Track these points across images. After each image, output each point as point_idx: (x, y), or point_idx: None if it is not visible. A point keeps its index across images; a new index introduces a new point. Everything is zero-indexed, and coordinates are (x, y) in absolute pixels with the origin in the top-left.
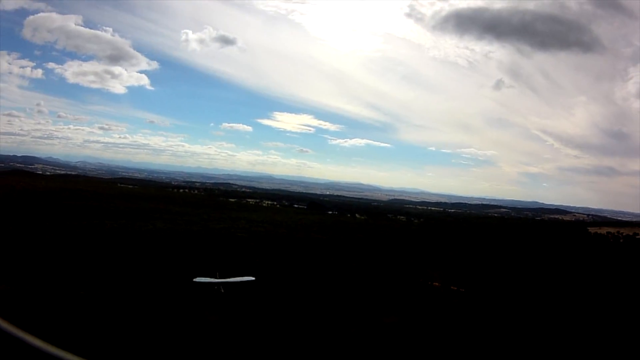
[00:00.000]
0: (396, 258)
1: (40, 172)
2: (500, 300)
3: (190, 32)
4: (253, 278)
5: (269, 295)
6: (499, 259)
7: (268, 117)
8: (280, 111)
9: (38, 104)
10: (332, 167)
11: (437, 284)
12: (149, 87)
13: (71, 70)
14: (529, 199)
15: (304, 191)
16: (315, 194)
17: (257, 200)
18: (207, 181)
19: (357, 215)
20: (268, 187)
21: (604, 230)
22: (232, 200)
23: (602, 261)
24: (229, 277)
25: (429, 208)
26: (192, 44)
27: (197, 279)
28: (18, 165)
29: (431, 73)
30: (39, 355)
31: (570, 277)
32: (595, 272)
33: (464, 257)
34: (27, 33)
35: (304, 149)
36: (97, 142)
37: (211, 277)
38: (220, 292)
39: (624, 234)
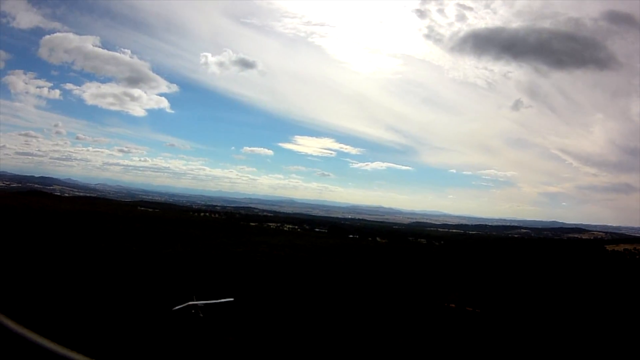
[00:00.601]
0: (414, 280)
1: (59, 194)
2: (512, 319)
3: (209, 55)
4: (232, 299)
5: (252, 316)
6: (515, 279)
7: (289, 141)
8: (301, 135)
9: (56, 125)
10: (354, 190)
11: (453, 305)
12: (168, 110)
13: (89, 92)
14: (549, 219)
15: (325, 215)
16: (337, 218)
17: (278, 225)
18: (228, 205)
19: (377, 238)
20: (289, 211)
21: (621, 248)
22: (253, 224)
23: (617, 278)
24: (208, 300)
25: (450, 230)
26: (212, 67)
27: (176, 307)
28: (36, 185)
29: (451, 94)
30: (48, 356)
31: (584, 295)
32: (610, 288)
33: (482, 278)
34: (43, 53)
35: (325, 173)
36: (117, 164)
37: (189, 301)
38: (199, 315)
39: None
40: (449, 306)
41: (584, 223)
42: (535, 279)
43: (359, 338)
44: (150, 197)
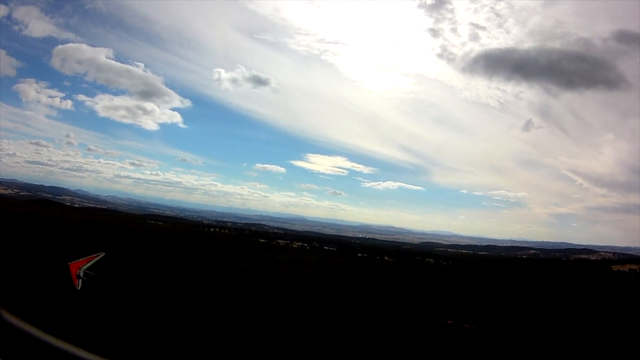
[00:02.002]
0: (415, 297)
1: (69, 204)
2: (507, 336)
3: (222, 70)
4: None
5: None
6: (514, 298)
7: (301, 159)
8: (314, 153)
9: (67, 135)
10: (365, 209)
11: (450, 321)
12: (181, 125)
13: (102, 104)
14: (558, 240)
15: (336, 233)
16: (347, 237)
17: (288, 242)
18: (239, 221)
19: (386, 257)
20: (300, 229)
21: (627, 267)
22: (263, 240)
23: (617, 296)
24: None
25: (459, 251)
26: (225, 83)
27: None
28: (46, 195)
29: (463, 114)
30: (54, 354)
31: (581, 312)
32: (608, 306)
33: (482, 297)
34: (55, 62)
35: (337, 191)
36: (128, 177)
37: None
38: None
39: None
40: (446, 322)
41: (593, 244)
42: (534, 298)
43: (347, 353)
44: (160, 211)
